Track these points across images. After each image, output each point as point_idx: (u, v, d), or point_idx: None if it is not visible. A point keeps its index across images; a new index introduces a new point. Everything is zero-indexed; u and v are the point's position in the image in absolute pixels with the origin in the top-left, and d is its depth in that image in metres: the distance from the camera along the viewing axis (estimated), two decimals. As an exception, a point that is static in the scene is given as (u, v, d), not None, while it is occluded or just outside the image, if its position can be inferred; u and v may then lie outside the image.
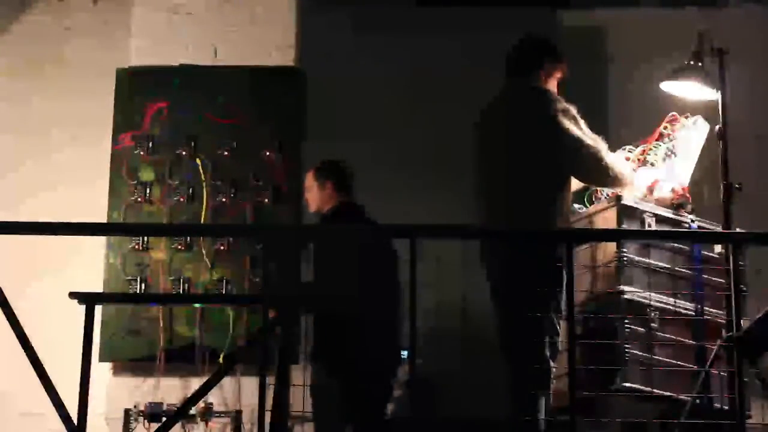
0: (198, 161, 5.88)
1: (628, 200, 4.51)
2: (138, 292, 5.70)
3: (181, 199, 5.83)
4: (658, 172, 4.66)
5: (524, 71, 4.63)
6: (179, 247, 5.77)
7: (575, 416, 3.41)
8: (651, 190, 4.61)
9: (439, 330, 5.44)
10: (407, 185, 6.39)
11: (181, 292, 5.69)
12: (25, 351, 3.47)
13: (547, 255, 4.22)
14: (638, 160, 4.72)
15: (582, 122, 4.49)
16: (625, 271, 4.42)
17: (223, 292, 5.72)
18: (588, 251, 4.56)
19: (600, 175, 4.49)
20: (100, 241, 5.78)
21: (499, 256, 4.42)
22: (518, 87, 4.62)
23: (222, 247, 5.75)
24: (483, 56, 6.33)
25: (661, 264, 4.50)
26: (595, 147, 4.44)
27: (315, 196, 5.37)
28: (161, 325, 5.66)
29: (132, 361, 5.69)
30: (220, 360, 5.54)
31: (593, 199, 4.74)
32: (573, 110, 4.49)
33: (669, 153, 4.70)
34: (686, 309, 4.50)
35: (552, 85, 4.65)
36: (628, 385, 4.31)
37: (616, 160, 4.55)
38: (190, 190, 5.85)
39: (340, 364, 5.01)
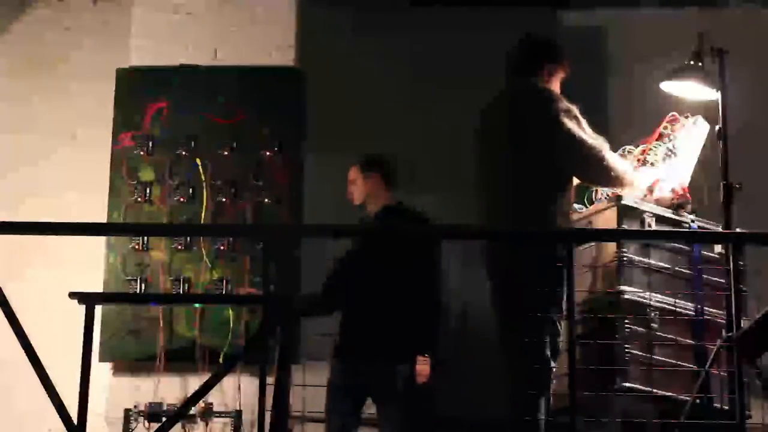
0: (198, 161, 5.88)
1: (628, 200, 4.51)
2: (138, 292, 5.70)
3: (181, 199, 5.83)
4: (658, 172, 4.66)
5: (526, 71, 4.62)
6: (179, 247, 5.77)
7: (575, 416, 3.41)
8: (651, 189, 4.61)
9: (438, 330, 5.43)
10: (407, 185, 6.38)
11: (181, 292, 5.70)
12: (25, 351, 3.47)
13: (547, 255, 4.21)
14: (638, 160, 4.72)
15: (584, 122, 4.48)
16: (625, 271, 4.42)
17: (223, 292, 5.72)
18: (588, 251, 4.56)
19: (602, 175, 4.48)
20: (100, 241, 5.78)
21: (500, 256, 4.42)
22: (520, 87, 4.61)
23: (222, 247, 5.75)
24: (483, 56, 6.34)
25: (661, 264, 4.50)
26: (597, 147, 4.43)
27: (360, 188, 5.37)
28: (161, 325, 5.66)
29: (132, 361, 5.69)
30: (220, 360, 5.54)
31: (593, 199, 4.74)
32: (575, 110, 4.48)
33: (669, 153, 4.69)
34: (686, 309, 4.50)
35: (554, 85, 4.64)
36: (628, 385, 4.31)
37: (618, 160, 4.55)
38: (190, 190, 5.85)
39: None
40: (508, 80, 4.69)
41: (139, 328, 5.70)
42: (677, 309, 4.45)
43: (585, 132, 4.44)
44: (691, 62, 4.68)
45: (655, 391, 4.32)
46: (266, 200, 5.82)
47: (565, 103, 4.47)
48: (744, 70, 4.82)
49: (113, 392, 5.65)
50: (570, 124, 4.42)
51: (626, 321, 4.35)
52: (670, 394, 4.35)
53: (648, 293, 4.42)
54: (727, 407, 4.30)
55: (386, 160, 5.44)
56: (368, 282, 5.12)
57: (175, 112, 5.94)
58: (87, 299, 3.63)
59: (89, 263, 5.81)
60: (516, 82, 4.64)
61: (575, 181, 4.59)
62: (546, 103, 4.48)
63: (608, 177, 4.48)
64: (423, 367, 5.08)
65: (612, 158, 4.49)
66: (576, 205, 4.67)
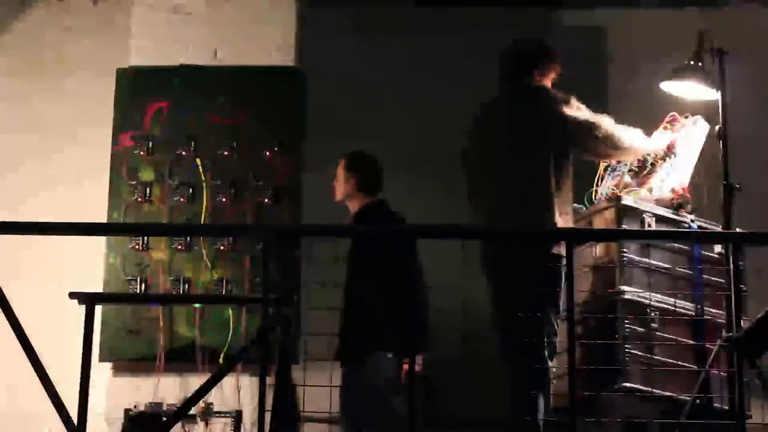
0: (198, 161, 5.88)
1: (628, 200, 4.52)
2: (138, 292, 5.70)
3: (181, 199, 5.83)
4: (672, 133, 4.69)
5: (519, 72, 4.64)
6: (179, 247, 5.77)
7: (575, 416, 3.41)
8: (671, 148, 4.65)
9: (439, 330, 5.43)
10: (407, 185, 6.38)
11: (181, 292, 5.70)
12: (25, 351, 3.47)
13: (546, 255, 4.22)
14: (638, 160, 4.72)
15: (584, 107, 4.49)
16: (625, 271, 4.42)
17: (223, 292, 5.72)
18: (588, 251, 4.56)
19: (619, 150, 4.53)
20: (100, 241, 5.78)
21: (499, 256, 4.42)
22: (516, 88, 4.62)
23: (222, 247, 5.75)
24: (483, 56, 6.34)
25: (661, 264, 4.50)
26: (605, 126, 4.46)
27: (340, 186, 5.38)
28: (161, 325, 5.66)
29: (132, 361, 5.69)
30: (220, 360, 5.54)
31: (593, 199, 4.74)
32: (572, 99, 4.49)
33: (669, 153, 4.70)
34: (686, 309, 4.50)
35: (547, 84, 4.65)
36: (628, 385, 4.31)
37: (630, 131, 4.57)
38: (190, 190, 5.85)
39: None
40: (501, 82, 4.70)
41: (139, 328, 5.70)
42: (677, 309, 4.45)
43: (588, 114, 4.46)
44: (691, 62, 4.68)
45: (655, 391, 4.32)
46: (266, 200, 5.82)
47: (561, 95, 4.49)
48: (744, 70, 4.83)
49: (113, 392, 5.65)
50: (574, 113, 4.43)
51: (626, 321, 4.35)
52: (670, 394, 4.35)
53: (648, 293, 4.42)
54: (727, 407, 4.30)
55: (370, 164, 5.40)
56: (353, 283, 5.13)
57: (175, 112, 5.94)
58: (87, 299, 3.64)
59: (89, 263, 5.81)
60: (511, 84, 4.65)
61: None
62: (544, 99, 4.49)
63: (624, 149, 4.52)
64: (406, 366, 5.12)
65: (623, 132, 4.52)
66: (576, 205, 4.68)
